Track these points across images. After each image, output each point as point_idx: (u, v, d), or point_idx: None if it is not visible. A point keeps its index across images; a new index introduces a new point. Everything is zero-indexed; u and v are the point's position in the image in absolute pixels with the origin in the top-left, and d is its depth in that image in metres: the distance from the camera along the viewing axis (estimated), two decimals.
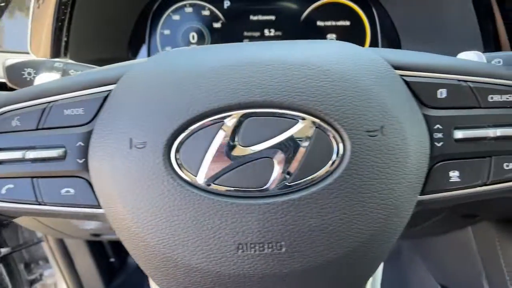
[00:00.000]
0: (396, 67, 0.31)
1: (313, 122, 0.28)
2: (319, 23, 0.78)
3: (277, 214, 0.28)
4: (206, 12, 0.78)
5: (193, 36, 0.79)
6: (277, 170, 0.28)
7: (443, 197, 0.31)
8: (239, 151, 0.28)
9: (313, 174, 0.28)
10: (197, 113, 0.28)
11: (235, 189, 0.28)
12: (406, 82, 0.31)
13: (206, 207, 0.28)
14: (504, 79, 0.30)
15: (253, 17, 0.78)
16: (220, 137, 0.28)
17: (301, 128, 0.28)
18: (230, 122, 0.28)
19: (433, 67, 0.31)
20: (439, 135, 0.30)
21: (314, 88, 0.28)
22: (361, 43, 0.79)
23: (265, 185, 0.28)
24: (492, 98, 0.30)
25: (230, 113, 0.28)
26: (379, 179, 0.28)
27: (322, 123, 0.28)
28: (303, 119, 0.28)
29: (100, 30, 0.71)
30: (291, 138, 0.28)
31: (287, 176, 0.28)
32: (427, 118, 0.31)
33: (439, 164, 0.31)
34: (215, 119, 0.28)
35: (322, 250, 0.28)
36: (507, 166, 0.30)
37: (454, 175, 0.30)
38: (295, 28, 0.78)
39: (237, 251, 0.28)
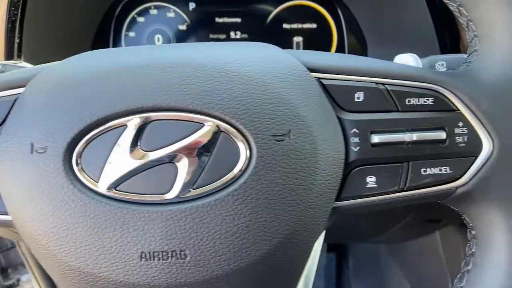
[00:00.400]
0: (312, 70, 0.30)
1: (219, 126, 0.27)
2: (285, 25, 0.78)
3: (180, 222, 0.27)
4: (171, 14, 0.77)
5: (158, 38, 0.78)
6: (181, 176, 0.27)
7: (360, 203, 0.30)
8: (141, 156, 0.27)
9: (218, 180, 0.27)
10: (99, 117, 0.27)
11: (137, 196, 0.27)
12: (323, 85, 0.30)
13: (108, 214, 0.27)
14: (422, 82, 0.30)
15: (218, 20, 0.77)
16: (123, 142, 0.27)
17: (205, 132, 0.27)
18: (133, 126, 0.27)
19: (350, 69, 0.30)
20: (356, 139, 0.30)
21: (220, 91, 0.27)
22: (328, 45, 0.78)
23: (168, 192, 0.27)
24: (409, 101, 0.30)
25: (132, 117, 0.27)
26: (286, 185, 0.27)
27: (228, 127, 0.27)
28: (209, 123, 0.27)
29: (59, 32, 0.70)
30: (195, 143, 0.27)
31: (191, 182, 0.27)
32: (343, 122, 0.30)
33: (356, 169, 0.30)
34: (117, 124, 0.27)
35: (228, 259, 0.27)
36: (425, 171, 0.29)
37: (371, 180, 0.30)
38: (261, 30, 0.78)
39: (140, 260, 0.27)
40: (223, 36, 0.78)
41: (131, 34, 0.78)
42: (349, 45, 0.77)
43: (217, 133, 0.27)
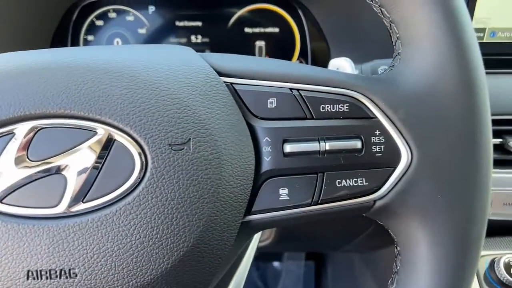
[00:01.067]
0: (223, 74, 0.28)
1: (112, 134, 0.25)
2: (247, 29, 0.76)
3: (68, 238, 0.25)
4: (130, 18, 0.76)
5: (118, 42, 0.76)
6: (70, 188, 0.25)
7: (273, 217, 0.28)
8: (29, 166, 0.25)
9: (110, 192, 0.25)
10: None
11: (24, 209, 0.25)
12: (235, 91, 0.28)
13: None
14: (337, 88, 0.28)
15: (179, 23, 0.76)
16: (9, 151, 0.25)
17: (97, 141, 0.25)
18: (21, 134, 0.25)
19: (263, 74, 0.28)
20: (268, 148, 0.28)
21: (114, 96, 0.25)
22: (291, 50, 0.77)
23: (57, 205, 0.25)
24: (324, 108, 0.28)
25: (20, 125, 0.25)
26: (185, 198, 0.25)
27: (122, 135, 0.25)
28: (101, 130, 0.25)
29: (17, 34, 0.68)
30: (86, 152, 0.25)
31: (81, 195, 0.25)
32: (255, 130, 0.28)
33: (269, 180, 0.28)
34: (4, 131, 0.25)
35: (121, 278, 0.25)
36: (340, 183, 0.28)
37: (283, 192, 0.28)
38: (222, 34, 0.76)
39: (27, 279, 0.25)
40: (184, 40, 0.76)
41: (90, 37, 0.76)
42: (312, 50, 0.76)
43: (110, 141, 0.25)
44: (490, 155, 0.28)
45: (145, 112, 0.25)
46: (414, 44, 0.28)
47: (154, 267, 0.25)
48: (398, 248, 0.30)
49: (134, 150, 0.25)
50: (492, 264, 0.58)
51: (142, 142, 0.25)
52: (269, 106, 0.28)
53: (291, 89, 0.28)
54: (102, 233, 0.25)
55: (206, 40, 0.76)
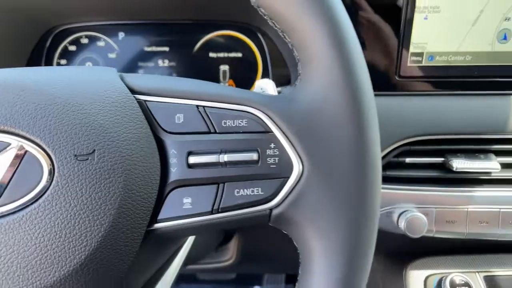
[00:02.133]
0: (136, 92, 0.31)
1: (24, 146, 0.28)
2: (212, 54, 0.80)
3: None
4: (101, 43, 0.80)
5: (89, 65, 0.80)
6: None
7: (177, 226, 0.30)
8: None
9: (19, 199, 0.27)
10: None
11: None
12: (147, 107, 0.31)
13: None
14: (238, 104, 0.31)
15: (147, 48, 0.80)
16: None
17: (10, 151, 0.28)
18: None
19: (173, 92, 0.31)
20: (174, 160, 0.30)
21: (29, 111, 0.28)
22: (254, 73, 0.81)
23: None
24: (225, 123, 0.31)
25: None
26: (88, 205, 0.27)
27: (34, 147, 0.28)
28: (14, 142, 0.28)
29: None
30: (1, 162, 0.27)
31: None
32: (164, 143, 0.30)
33: (174, 190, 0.30)
34: None
35: (26, 279, 0.27)
36: (238, 192, 0.30)
37: (187, 201, 0.30)
38: (188, 59, 0.80)
39: None
40: (151, 64, 0.80)
41: (63, 62, 0.80)
42: (273, 74, 0.80)
43: (22, 152, 0.28)
44: (377, 167, 0.30)
45: (55, 125, 0.28)
46: (310, 65, 0.31)
47: (57, 269, 0.27)
48: (301, 257, 0.32)
49: (43, 160, 0.28)
50: (439, 283, 0.59)
51: (50, 152, 0.27)
52: (176, 121, 0.31)
53: (197, 106, 0.31)
54: (9, 237, 0.27)
55: (172, 64, 0.80)
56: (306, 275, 0.30)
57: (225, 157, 0.30)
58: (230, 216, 0.30)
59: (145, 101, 0.31)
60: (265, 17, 0.33)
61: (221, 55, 0.80)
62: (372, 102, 0.30)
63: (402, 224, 0.55)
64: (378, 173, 0.30)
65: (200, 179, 0.30)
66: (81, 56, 0.80)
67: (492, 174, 0.58)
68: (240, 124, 0.30)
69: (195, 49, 0.80)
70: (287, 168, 0.30)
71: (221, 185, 0.30)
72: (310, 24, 0.30)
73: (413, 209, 0.57)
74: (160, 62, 0.80)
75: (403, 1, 0.56)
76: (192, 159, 0.30)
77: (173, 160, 0.30)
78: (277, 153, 0.30)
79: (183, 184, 0.30)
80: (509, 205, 0.57)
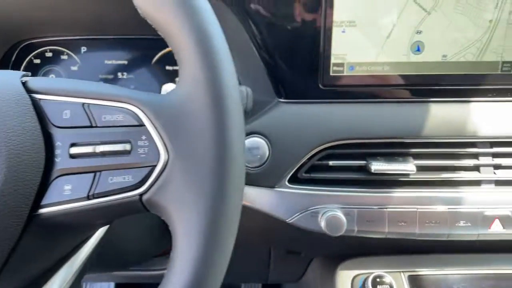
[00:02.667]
0: (32, 91, 0.36)
1: None
2: (168, 67, 0.85)
3: None
4: (64, 57, 0.85)
5: (52, 77, 0.85)
6: None
7: (59, 211, 0.34)
8: None
9: None
10: None
11: None
12: (40, 104, 0.35)
13: None
14: (117, 101, 0.35)
15: (107, 61, 0.85)
16: None
17: None
18: None
19: (63, 91, 0.36)
20: (59, 151, 0.34)
21: None
22: None
23: None
24: (105, 118, 0.35)
25: None
26: None
27: None
28: None
29: None
30: None
31: None
32: (52, 136, 0.35)
33: (58, 178, 0.34)
34: None
35: None
36: (111, 180, 0.34)
37: (67, 188, 0.34)
38: (145, 71, 0.85)
39: None
40: (111, 76, 0.85)
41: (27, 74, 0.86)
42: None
43: None
44: (235, 158, 0.33)
45: None
46: (182, 66, 0.36)
47: None
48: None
49: None
50: (364, 282, 0.62)
51: None
52: (64, 117, 0.35)
53: (83, 103, 0.35)
54: None
55: (131, 76, 0.85)
56: (171, 257, 0.34)
57: (101, 148, 0.34)
58: (104, 202, 0.34)
59: (40, 99, 0.36)
60: (151, 24, 0.37)
61: (176, 68, 0.86)
62: (232, 99, 0.34)
63: (322, 224, 0.59)
64: (237, 163, 0.34)
65: (80, 168, 0.34)
66: (45, 69, 0.86)
67: (410, 176, 0.61)
68: (117, 118, 0.35)
69: (152, 62, 0.85)
70: (155, 157, 0.34)
71: (97, 174, 0.34)
72: (179, 30, 0.34)
73: (337, 210, 0.60)
74: (119, 74, 0.85)
75: (321, 16, 0.61)
76: (73, 150, 0.34)
77: (57, 151, 0.34)
78: (147, 144, 0.34)
79: (65, 172, 0.34)
80: (426, 206, 0.60)
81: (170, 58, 0.87)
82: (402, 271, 0.63)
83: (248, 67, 0.73)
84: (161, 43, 0.86)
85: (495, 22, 0.61)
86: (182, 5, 0.34)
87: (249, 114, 0.61)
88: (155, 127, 0.34)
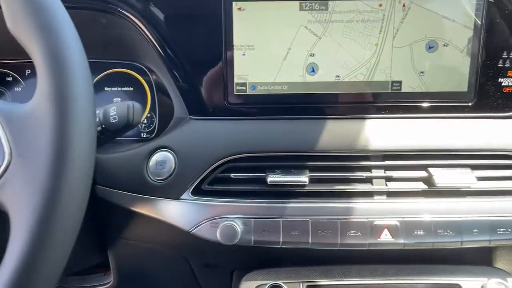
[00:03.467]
0: None
1: None
2: (107, 88, 0.91)
3: None
4: (9, 78, 0.91)
5: None
6: None
7: None
8: None
9: None
10: None
11: None
12: None
13: None
14: None
15: None
16: None
17: None
18: None
19: None
20: None
21: None
22: (143, 105, 0.91)
23: None
24: None
25: None
26: None
27: None
28: None
29: None
30: None
31: None
32: None
33: None
34: None
35: None
36: None
37: None
38: None
39: None
40: None
41: None
42: (159, 104, 0.89)
43: None
44: (77, 162, 0.38)
45: None
46: (37, 79, 0.40)
47: None
48: None
49: None
50: None
51: None
52: None
53: None
54: None
55: None
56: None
57: None
58: None
59: None
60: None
61: (114, 89, 0.91)
62: (75, 108, 0.39)
63: (217, 233, 0.61)
64: (75, 165, 0.38)
65: None
66: None
67: (305, 188, 0.64)
68: None
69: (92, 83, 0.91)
70: (1, 158, 0.38)
71: None
72: (32, 49, 0.40)
73: (235, 220, 0.63)
74: None
75: (223, 40, 0.66)
76: None
77: None
78: None
79: None
80: (318, 216, 0.63)
81: (109, 80, 0.92)
82: (301, 281, 0.65)
83: (167, 88, 0.78)
84: (101, 66, 0.92)
85: (380, 46, 0.66)
86: (34, 26, 0.39)
87: (137, 126, 0.65)
88: (5, 132, 0.39)
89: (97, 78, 0.91)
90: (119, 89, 0.92)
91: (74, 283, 0.89)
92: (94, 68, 0.92)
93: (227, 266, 0.74)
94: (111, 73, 0.93)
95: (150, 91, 0.93)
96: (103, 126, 0.56)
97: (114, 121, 0.56)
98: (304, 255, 0.68)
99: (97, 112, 0.58)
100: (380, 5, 0.65)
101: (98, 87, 0.91)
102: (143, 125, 0.90)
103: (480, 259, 0.70)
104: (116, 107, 0.58)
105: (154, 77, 0.93)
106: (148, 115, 0.92)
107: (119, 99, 0.92)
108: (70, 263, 0.80)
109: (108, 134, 0.58)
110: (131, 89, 0.93)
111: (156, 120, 0.89)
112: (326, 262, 0.68)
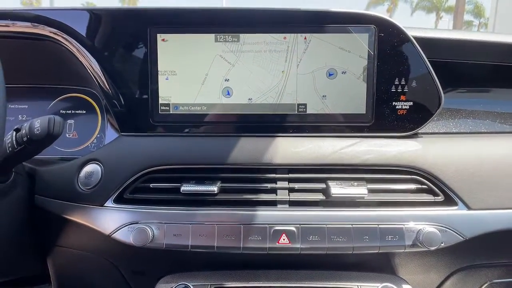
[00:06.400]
0: None
1: None
2: (62, 111, 1.00)
3: None
4: None
5: None
6: None
7: None
8: None
9: None
10: None
11: None
12: None
13: None
14: None
15: (11, 106, 1.00)
16: None
17: None
18: None
19: None
20: None
21: None
22: (94, 125, 0.99)
23: None
24: None
25: None
26: None
27: None
28: None
29: None
30: None
31: None
32: None
33: None
34: None
35: None
36: None
37: None
38: (43, 114, 0.99)
39: None
40: (12, 118, 1.00)
41: None
42: (109, 126, 0.98)
43: None
44: None
45: None
46: None
47: None
48: None
49: None
50: None
51: None
52: None
53: None
54: None
55: (29, 118, 0.99)
56: None
57: None
58: None
59: None
60: None
61: (69, 111, 1.00)
62: None
63: (131, 236, 0.68)
64: None
65: None
66: None
67: (216, 197, 0.71)
68: None
69: (49, 106, 1.00)
70: None
71: None
72: None
73: (150, 225, 0.69)
74: (19, 116, 1.00)
75: (148, 66, 0.76)
76: None
77: None
78: None
79: None
80: (224, 221, 0.69)
81: (64, 104, 1.02)
82: (209, 284, 0.70)
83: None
84: (56, 91, 1.02)
85: (286, 73, 0.76)
86: None
87: (58, 137, 0.67)
88: None
89: (53, 102, 1.01)
90: (72, 111, 1.02)
91: None
92: (51, 93, 1.02)
93: (152, 273, 0.79)
94: (66, 97, 1.03)
95: (101, 114, 1.02)
96: (28, 136, 0.64)
97: (37, 132, 0.64)
98: (216, 260, 0.73)
99: (25, 125, 0.66)
100: (285, 38, 0.75)
101: (54, 109, 1.01)
102: (93, 144, 0.99)
103: (385, 269, 0.75)
104: (40, 120, 0.66)
105: (104, 101, 1.02)
106: (98, 135, 1.01)
107: (73, 120, 1.02)
108: (6, 266, 0.85)
109: (33, 145, 0.65)
110: (84, 112, 1.02)
111: (104, 140, 0.97)
112: (235, 267, 0.73)
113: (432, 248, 0.67)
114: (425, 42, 0.77)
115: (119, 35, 0.78)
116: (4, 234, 0.73)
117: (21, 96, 1.00)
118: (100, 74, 0.78)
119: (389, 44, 0.75)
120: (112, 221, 0.71)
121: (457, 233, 0.69)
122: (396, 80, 0.76)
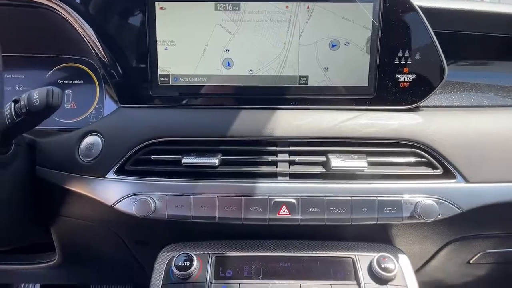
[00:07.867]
0: None
1: None
2: (60, 81, 0.98)
3: None
4: None
5: None
6: None
7: None
8: None
9: None
10: None
11: None
12: None
13: None
14: None
15: (7, 76, 0.98)
16: None
17: None
18: None
19: None
20: None
21: None
22: (93, 95, 0.98)
23: None
24: None
25: None
26: None
27: None
28: None
29: None
30: None
31: None
32: None
33: None
34: None
35: None
36: None
37: None
38: (39, 85, 0.97)
39: None
40: (9, 88, 0.98)
41: None
42: (107, 96, 0.97)
43: None
44: None
45: None
46: None
47: None
48: None
49: None
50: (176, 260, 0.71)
51: None
52: None
53: None
54: None
55: (26, 88, 0.98)
56: None
57: None
58: None
59: None
60: None
61: (66, 82, 0.99)
62: None
63: (133, 207, 0.69)
64: None
65: None
66: None
67: (216, 169, 0.72)
68: None
69: (46, 76, 0.98)
70: None
71: None
72: None
73: (152, 196, 0.70)
74: (16, 87, 0.98)
75: (147, 36, 0.74)
76: None
77: None
78: None
79: None
80: (225, 193, 0.70)
81: (61, 74, 1.00)
82: (211, 253, 0.72)
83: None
84: (54, 61, 1.00)
85: (288, 44, 0.74)
86: None
87: (57, 109, 0.65)
88: None
89: (50, 72, 0.99)
90: (70, 82, 1.00)
91: (21, 260, 0.96)
92: (48, 62, 1.00)
93: (155, 243, 0.81)
94: (63, 67, 1.01)
95: (99, 84, 1.01)
96: (27, 108, 0.63)
97: (36, 103, 0.63)
98: (217, 231, 0.75)
99: (23, 96, 0.65)
100: (287, 7, 0.73)
101: (51, 80, 0.99)
102: (92, 115, 0.98)
103: (382, 239, 0.77)
104: (39, 91, 0.65)
105: (102, 71, 1.00)
106: (97, 106, 1.00)
107: (70, 91, 1.00)
108: (10, 235, 0.87)
109: (32, 117, 0.65)
110: (82, 82, 1.00)
111: (103, 111, 0.96)
112: (237, 237, 0.75)
113: (429, 220, 0.68)
114: (430, 13, 0.75)
115: (116, 2, 0.76)
116: (7, 204, 0.73)
117: (18, 66, 0.98)
118: (97, 43, 0.77)
119: (394, 14, 0.73)
120: (114, 192, 0.72)
121: (454, 205, 0.70)
122: (400, 52, 0.75)
